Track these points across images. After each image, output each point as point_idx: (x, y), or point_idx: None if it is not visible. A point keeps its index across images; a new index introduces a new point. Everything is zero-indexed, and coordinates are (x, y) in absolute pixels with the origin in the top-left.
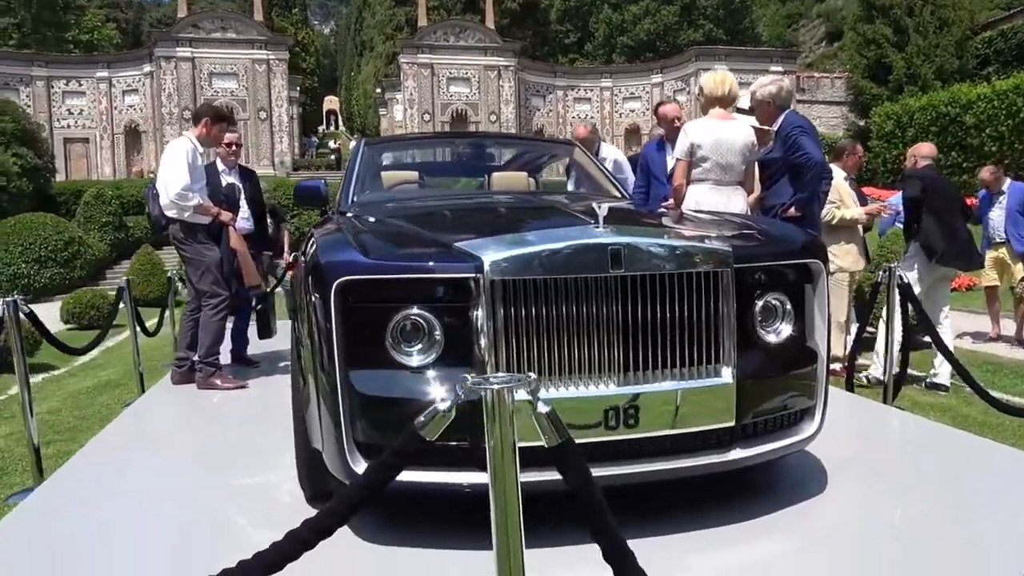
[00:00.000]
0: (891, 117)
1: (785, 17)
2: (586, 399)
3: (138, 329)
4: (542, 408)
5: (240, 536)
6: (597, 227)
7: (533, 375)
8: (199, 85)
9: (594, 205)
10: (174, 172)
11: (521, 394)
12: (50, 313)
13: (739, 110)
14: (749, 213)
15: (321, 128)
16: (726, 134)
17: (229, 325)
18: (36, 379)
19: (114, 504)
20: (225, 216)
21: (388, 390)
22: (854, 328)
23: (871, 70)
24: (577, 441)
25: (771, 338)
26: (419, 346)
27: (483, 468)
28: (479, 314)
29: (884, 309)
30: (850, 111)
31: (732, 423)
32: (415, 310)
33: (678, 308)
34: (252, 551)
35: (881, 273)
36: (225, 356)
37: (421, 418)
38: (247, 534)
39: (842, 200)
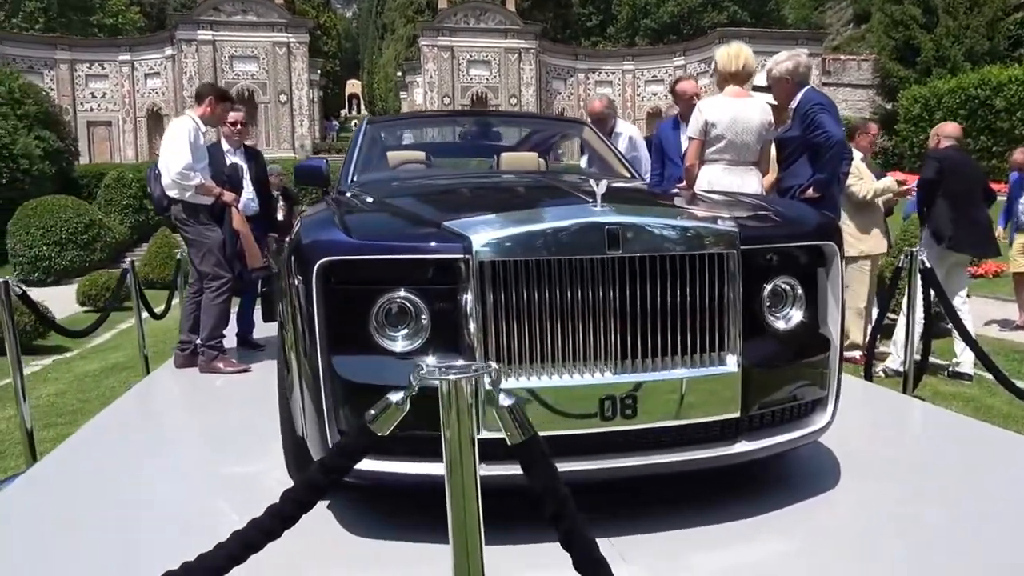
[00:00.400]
0: (919, 100)
1: None
2: (580, 388)
3: (144, 313)
4: (504, 401)
5: (230, 523)
6: (595, 206)
7: (494, 364)
8: (220, 68)
9: (593, 183)
10: (175, 151)
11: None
12: (68, 295)
13: (756, 88)
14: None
15: (343, 112)
16: (742, 112)
17: (234, 308)
18: (47, 361)
19: (104, 490)
20: (228, 196)
21: (372, 377)
22: (875, 314)
23: (899, 52)
24: (570, 432)
25: (780, 324)
26: (405, 331)
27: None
28: (468, 297)
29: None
30: (877, 94)
31: (737, 414)
32: (401, 293)
33: (680, 292)
34: None
35: (903, 258)
36: (231, 339)
37: (371, 411)
38: (235, 521)
39: (863, 181)
